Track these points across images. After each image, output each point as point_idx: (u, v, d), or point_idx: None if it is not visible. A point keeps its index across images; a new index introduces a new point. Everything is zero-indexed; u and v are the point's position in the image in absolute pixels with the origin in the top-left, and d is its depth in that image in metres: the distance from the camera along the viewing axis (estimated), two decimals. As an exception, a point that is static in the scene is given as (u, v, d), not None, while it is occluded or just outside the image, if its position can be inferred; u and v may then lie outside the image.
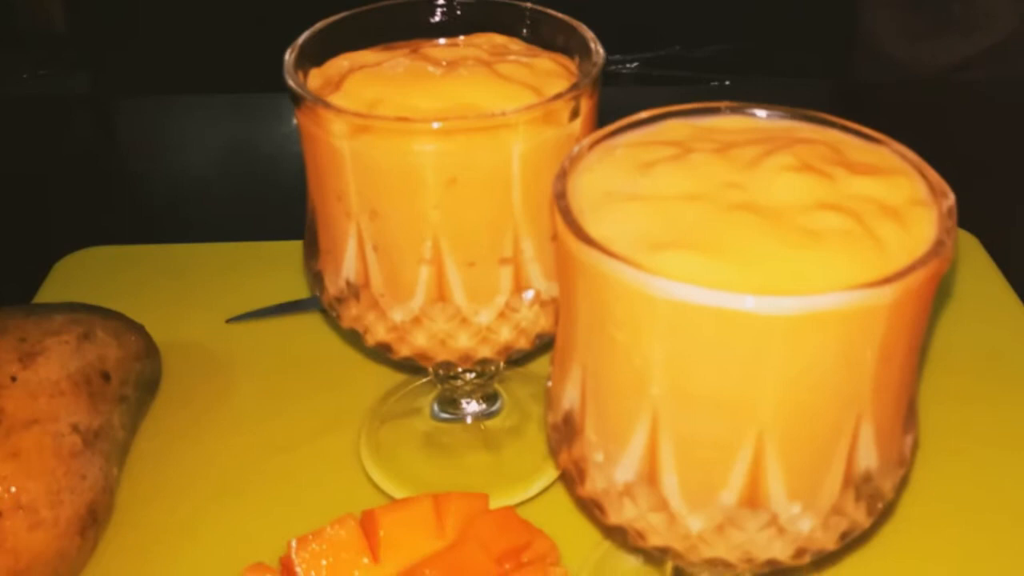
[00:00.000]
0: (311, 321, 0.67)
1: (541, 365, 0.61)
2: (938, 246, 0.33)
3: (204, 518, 0.53)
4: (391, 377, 0.62)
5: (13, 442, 0.46)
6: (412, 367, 0.58)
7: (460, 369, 0.54)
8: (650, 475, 0.36)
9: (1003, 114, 0.91)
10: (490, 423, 0.57)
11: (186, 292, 0.70)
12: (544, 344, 0.49)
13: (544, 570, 0.47)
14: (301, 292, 0.68)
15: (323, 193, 0.46)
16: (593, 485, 0.38)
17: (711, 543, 0.36)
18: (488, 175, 0.43)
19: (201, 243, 0.75)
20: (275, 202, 0.83)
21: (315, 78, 0.46)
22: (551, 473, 0.54)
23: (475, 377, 0.54)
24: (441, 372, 0.54)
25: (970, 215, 0.70)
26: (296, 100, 0.44)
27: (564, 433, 0.39)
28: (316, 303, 0.67)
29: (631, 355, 0.34)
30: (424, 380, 0.60)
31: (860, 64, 1.00)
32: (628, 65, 1.00)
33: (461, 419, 0.57)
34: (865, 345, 0.32)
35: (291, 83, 0.44)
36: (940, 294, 0.66)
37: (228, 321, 0.67)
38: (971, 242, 0.73)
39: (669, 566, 0.48)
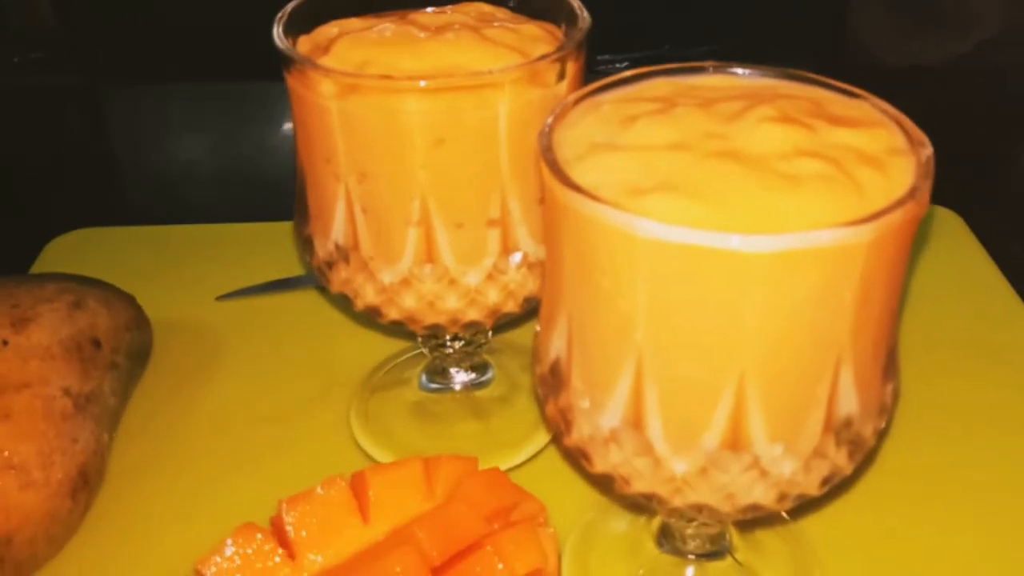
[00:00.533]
0: (300, 298, 0.67)
1: (530, 337, 0.62)
2: (915, 190, 0.34)
3: (195, 485, 0.53)
4: (380, 351, 0.62)
5: (5, 404, 0.46)
6: (401, 334, 0.59)
7: (448, 337, 0.54)
8: (635, 420, 0.37)
9: (989, 108, 0.92)
10: (479, 393, 0.58)
11: (175, 271, 0.70)
12: (532, 309, 0.50)
13: (533, 529, 0.48)
14: (290, 271, 0.69)
15: (312, 156, 0.46)
16: (580, 433, 0.39)
17: (695, 486, 0.37)
18: (475, 135, 0.43)
19: (189, 224, 0.75)
20: (263, 186, 0.84)
21: (304, 44, 0.47)
22: (540, 440, 0.55)
23: (463, 345, 0.55)
24: (430, 340, 0.55)
25: (954, 196, 0.72)
26: (286, 63, 0.45)
27: (551, 383, 0.40)
28: (305, 281, 0.67)
29: (616, 300, 0.35)
30: (413, 353, 0.61)
31: (849, 62, 1.01)
32: (617, 65, 1.01)
33: (450, 389, 0.58)
34: (844, 285, 0.33)
35: (280, 46, 0.44)
36: (922, 269, 0.68)
37: (218, 299, 0.67)
38: (955, 220, 0.74)
39: (655, 523, 0.49)
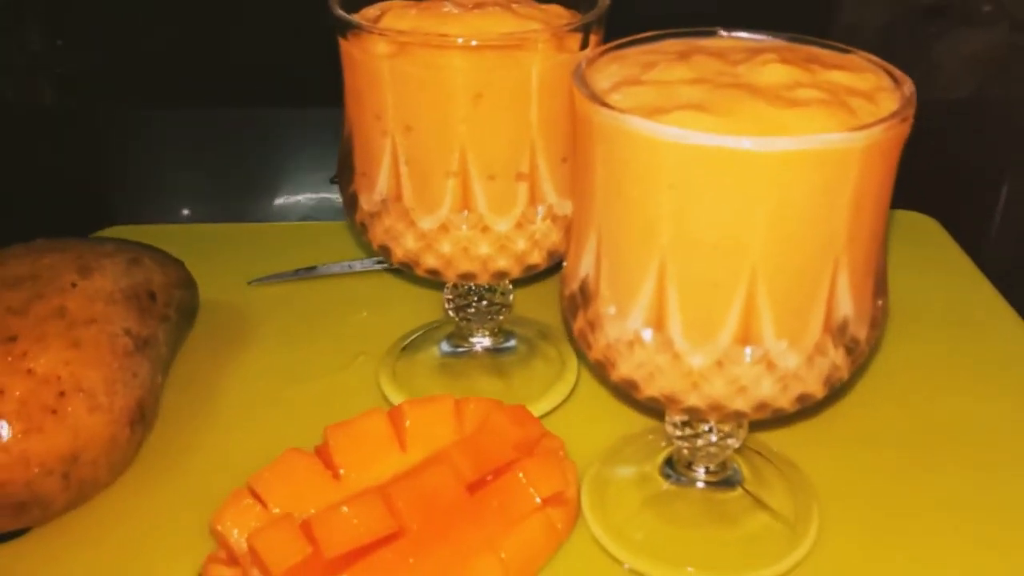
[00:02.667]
0: (326, 283, 0.72)
1: (546, 312, 0.67)
2: (900, 112, 0.39)
3: (239, 429, 0.57)
4: (404, 326, 0.67)
5: (75, 334, 0.50)
6: (427, 301, 0.63)
7: (474, 297, 0.59)
8: (657, 320, 0.41)
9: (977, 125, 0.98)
10: (500, 356, 0.62)
11: (206, 261, 0.74)
12: (554, 265, 0.55)
13: (557, 457, 0.52)
14: (313, 262, 0.74)
15: (362, 116, 0.52)
16: (606, 339, 0.43)
17: (710, 379, 0.41)
18: (509, 92, 0.49)
19: (218, 223, 0.80)
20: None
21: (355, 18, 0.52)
22: (558, 396, 0.59)
23: (487, 306, 0.59)
24: (457, 299, 0.59)
25: (936, 205, 0.78)
26: (343, 31, 0.50)
27: (580, 300, 0.45)
28: (330, 269, 0.72)
29: (642, 208, 0.40)
30: (435, 325, 0.65)
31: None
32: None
33: (473, 352, 0.62)
34: (841, 190, 0.38)
35: (340, 13, 0.50)
36: (906, 267, 0.73)
37: (250, 283, 0.72)
38: (934, 225, 0.80)
39: (663, 456, 0.53)
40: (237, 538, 0.47)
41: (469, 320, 0.60)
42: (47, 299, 0.51)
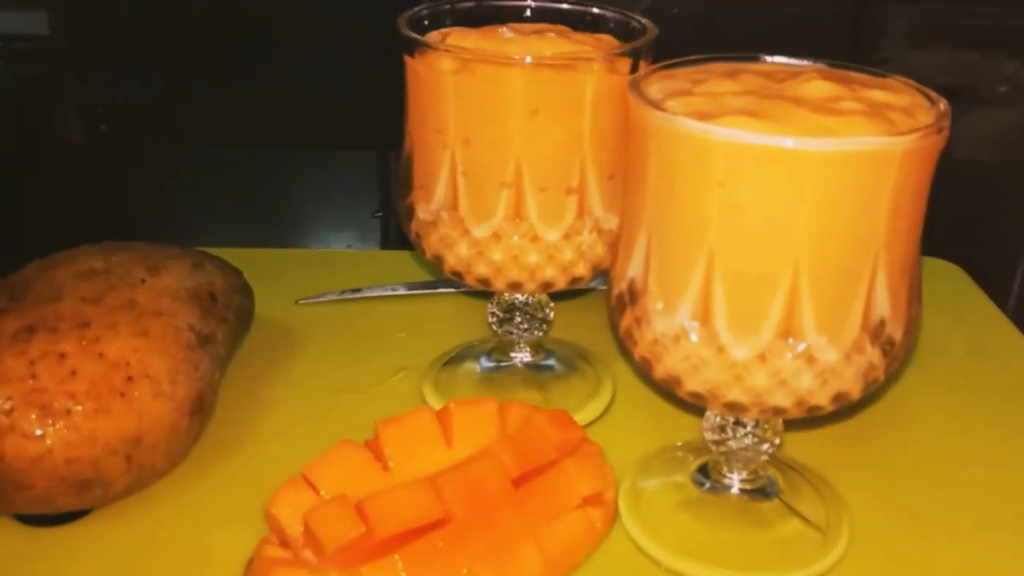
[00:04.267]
0: (371, 303, 0.75)
1: (583, 337, 0.69)
2: (937, 122, 0.42)
3: (289, 425, 0.60)
4: (446, 343, 0.69)
5: (143, 324, 0.53)
6: (468, 327, 0.66)
7: (518, 312, 0.62)
8: (704, 314, 0.44)
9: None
10: (539, 371, 0.65)
11: (257, 281, 0.77)
12: (590, 291, 0.57)
13: (597, 459, 0.54)
14: (357, 285, 0.77)
15: (423, 130, 0.55)
16: (652, 334, 0.46)
17: (753, 372, 0.44)
18: (564, 108, 0.52)
19: (263, 248, 0.84)
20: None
21: (418, 41, 0.56)
22: (596, 409, 0.62)
23: (529, 319, 0.62)
24: (501, 314, 0.62)
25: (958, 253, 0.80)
26: (410, 49, 0.54)
27: (627, 298, 0.47)
28: (374, 291, 0.75)
29: (693, 206, 0.43)
30: (477, 341, 0.68)
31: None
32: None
33: (513, 366, 0.65)
34: (880, 190, 0.41)
35: (408, 33, 0.54)
36: (931, 306, 0.75)
37: (298, 302, 0.75)
38: (959, 272, 0.82)
39: (699, 463, 0.55)
40: (290, 521, 0.49)
41: (511, 334, 0.63)
42: (118, 291, 0.54)
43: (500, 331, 0.63)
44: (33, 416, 0.49)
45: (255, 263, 0.80)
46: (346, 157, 1.09)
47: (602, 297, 0.74)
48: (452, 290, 0.76)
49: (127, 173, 1.05)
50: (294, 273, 0.80)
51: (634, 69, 0.54)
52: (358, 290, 0.76)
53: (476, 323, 0.71)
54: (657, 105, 0.43)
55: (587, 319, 0.72)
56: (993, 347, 0.72)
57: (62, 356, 0.50)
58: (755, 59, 0.50)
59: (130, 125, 1.08)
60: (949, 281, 0.81)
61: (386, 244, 1.02)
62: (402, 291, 0.76)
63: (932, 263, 0.82)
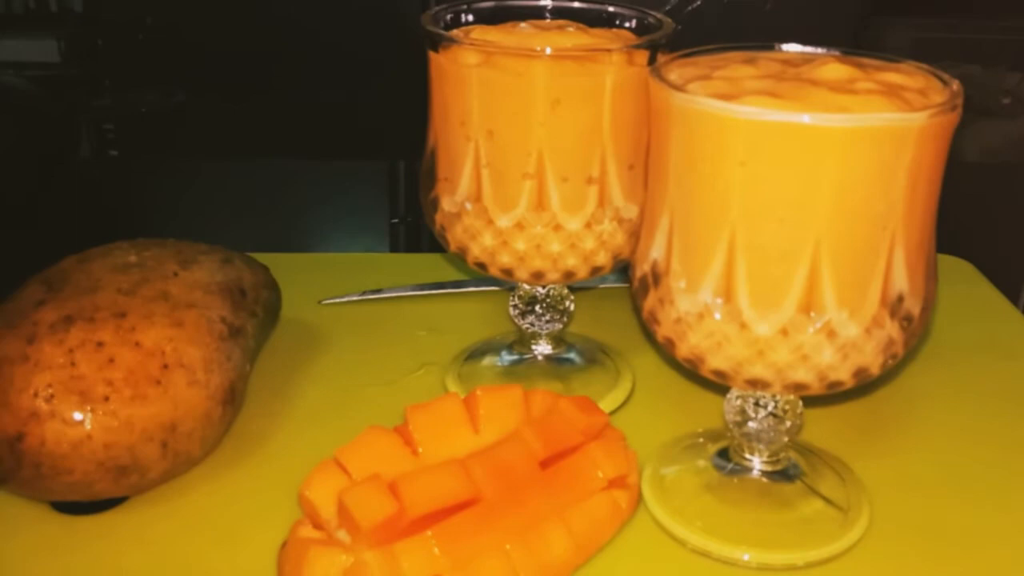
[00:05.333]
0: (392, 303, 0.76)
1: (602, 333, 0.71)
2: (951, 100, 0.43)
3: (318, 416, 0.61)
4: (467, 340, 0.70)
5: (178, 315, 0.54)
6: (488, 325, 0.67)
7: (539, 304, 0.63)
8: (727, 291, 0.45)
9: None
10: (560, 364, 0.66)
11: (281, 282, 0.79)
12: (619, 267, 0.59)
13: (621, 444, 0.55)
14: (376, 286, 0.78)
15: (447, 123, 0.56)
16: (676, 313, 0.47)
17: (775, 347, 0.45)
18: (584, 99, 0.54)
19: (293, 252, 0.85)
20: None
21: (441, 38, 0.58)
22: (615, 400, 0.63)
23: (550, 311, 0.63)
24: (522, 306, 0.63)
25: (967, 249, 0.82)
26: (435, 44, 0.55)
27: (650, 280, 0.49)
28: (395, 292, 0.76)
29: (715, 185, 0.44)
30: (498, 336, 0.69)
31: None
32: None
33: (534, 359, 0.66)
34: (898, 166, 0.42)
35: (432, 28, 0.55)
36: (943, 300, 0.77)
37: (321, 302, 0.76)
38: (969, 268, 0.83)
39: (719, 446, 0.56)
40: (323, 503, 0.50)
41: (533, 327, 0.64)
42: (152, 283, 0.55)
43: (522, 324, 0.64)
44: (73, 402, 0.50)
45: (277, 267, 0.81)
46: (357, 168, 1.11)
47: (620, 295, 0.76)
48: (471, 289, 0.77)
49: (149, 185, 1.07)
50: (314, 276, 0.81)
51: (651, 62, 0.55)
52: (379, 291, 0.78)
53: (495, 321, 0.72)
54: (679, 87, 0.44)
55: (606, 316, 0.73)
56: (1005, 340, 0.73)
57: (100, 344, 0.51)
58: (771, 47, 0.52)
59: (150, 139, 1.10)
60: (961, 276, 0.82)
61: (395, 251, 1.04)
62: (423, 291, 0.77)
63: (944, 259, 0.83)
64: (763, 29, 1.05)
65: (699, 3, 0.91)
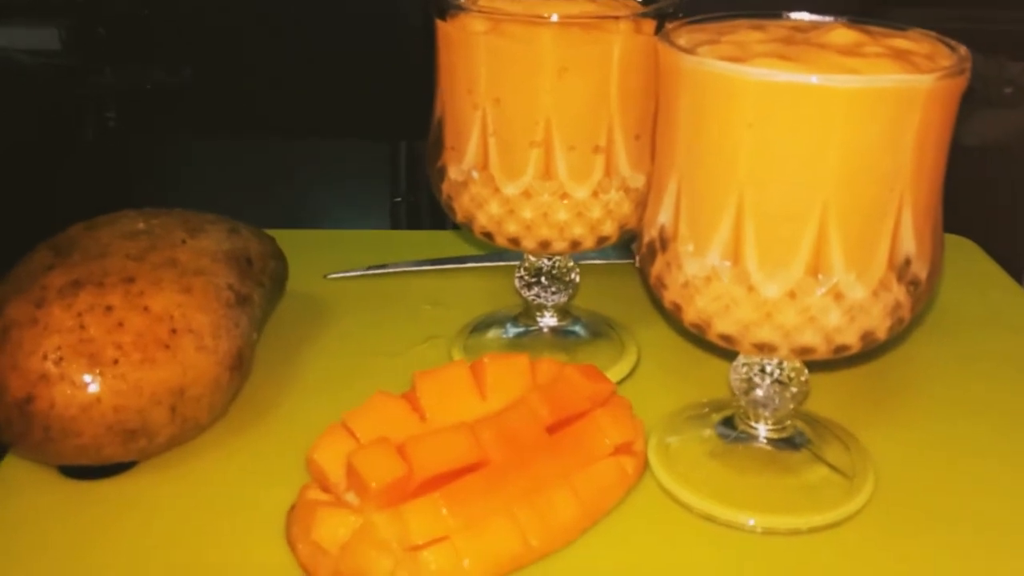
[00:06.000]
0: (397, 278, 0.77)
1: (607, 308, 0.71)
2: (959, 63, 0.44)
3: (324, 384, 0.61)
4: (473, 312, 0.71)
5: (186, 282, 0.55)
6: (492, 299, 0.67)
7: (544, 275, 0.63)
8: (735, 253, 0.45)
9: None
10: (565, 335, 0.66)
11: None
12: (625, 239, 0.59)
13: (627, 411, 0.56)
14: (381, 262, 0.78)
15: (455, 91, 0.57)
16: (684, 277, 0.47)
17: (782, 309, 0.45)
18: (591, 67, 0.54)
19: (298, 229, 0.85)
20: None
21: (447, 9, 0.58)
22: (621, 372, 0.63)
23: (556, 282, 0.63)
24: (528, 277, 0.63)
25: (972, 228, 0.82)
26: (442, 12, 0.55)
27: (658, 244, 0.49)
28: (399, 267, 0.77)
29: (723, 147, 0.44)
30: (503, 309, 0.69)
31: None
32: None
33: (540, 331, 0.66)
34: (905, 127, 0.43)
35: (440, -2, 0.55)
36: (946, 276, 0.77)
37: (326, 276, 0.76)
38: (972, 246, 0.84)
39: (724, 414, 0.57)
40: (332, 467, 0.50)
41: (539, 298, 0.64)
42: (160, 251, 0.56)
43: (528, 295, 0.64)
44: (82, 364, 0.50)
45: (282, 242, 0.81)
46: (359, 147, 1.11)
47: (625, 270, 0.76)
48: (475, 264, 0.77)
49: (153, 164, 1.07)
50: (319, 251, 0.81)
51: (659, 30, 0.55)
52: (384, 266, 0.78)
53: (500, 295, 0.73)
54: (688, 50, 0.44)
55: (611, 291, 0.73)
56: (1008, 314, 0.73)
57: (109, 308, 0.52)
58: (779, 15, 0.52)
59: (153, 117, 1.10)
60: (964, 254, 0.82)
61: (397, 229, 1.04)
62: (427, 267, 0.78)
63: (948, 238, 0.83)
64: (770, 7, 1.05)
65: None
